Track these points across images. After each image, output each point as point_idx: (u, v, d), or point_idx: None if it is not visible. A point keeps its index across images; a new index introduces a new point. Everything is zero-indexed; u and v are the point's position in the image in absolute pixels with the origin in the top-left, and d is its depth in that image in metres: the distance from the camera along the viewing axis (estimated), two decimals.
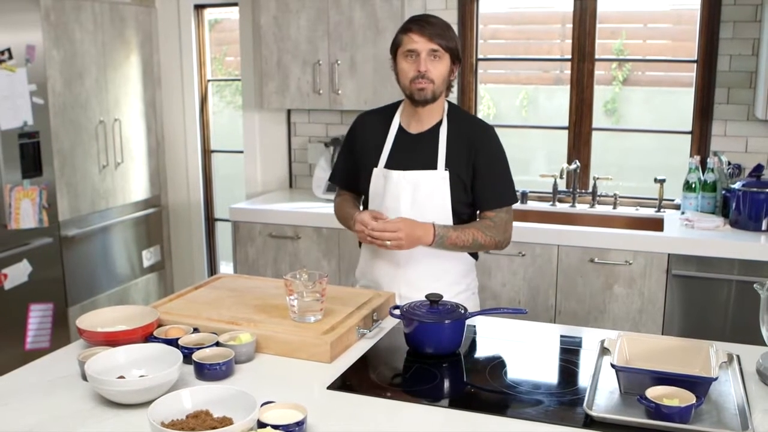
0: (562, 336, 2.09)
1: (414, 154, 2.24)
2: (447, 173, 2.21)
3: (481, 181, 2.23)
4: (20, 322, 3.53)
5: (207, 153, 4.69)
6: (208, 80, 4.63)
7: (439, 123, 2.25)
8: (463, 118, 2.29)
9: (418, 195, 2.22)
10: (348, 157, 2.40)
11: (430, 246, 2.17)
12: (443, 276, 2.27)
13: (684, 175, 3.61)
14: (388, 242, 2.09)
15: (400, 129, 2.29)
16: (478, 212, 2.31)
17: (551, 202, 3.88)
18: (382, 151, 2.28)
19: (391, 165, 2.26)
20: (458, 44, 2.20)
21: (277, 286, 2.18)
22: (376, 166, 2.28)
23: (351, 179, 2.40)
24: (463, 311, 1.90)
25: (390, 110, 2.35)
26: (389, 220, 2.13)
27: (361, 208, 2.40)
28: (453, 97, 4.01)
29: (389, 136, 2.29)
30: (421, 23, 2.15)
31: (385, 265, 2.30)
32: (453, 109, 2.29)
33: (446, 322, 1.85)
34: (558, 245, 3.33)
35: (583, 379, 1.72)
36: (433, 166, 2.22)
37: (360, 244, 2.41)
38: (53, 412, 1.54)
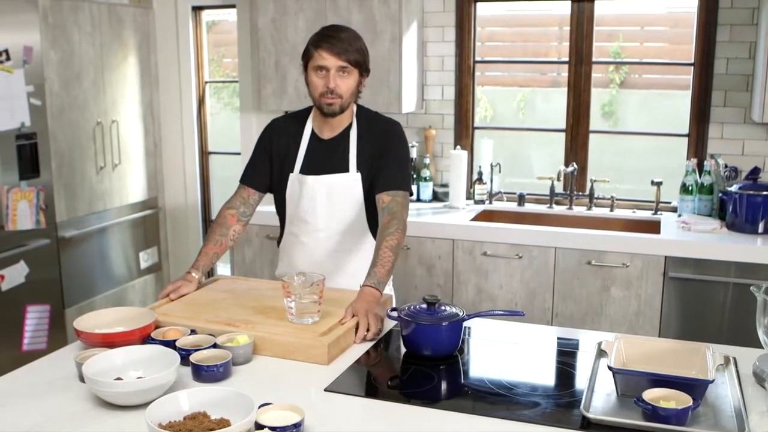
0: (559, 338, 2.10)
1: (327, 158, 2.33)
2: (359, 175, 2.31)
3: (381, 166, 2.30)
4: (17, 323, 3.53)
5: (204, 155, 4.69)
6: (206, 82, 4.63)
7: (349, 126, 2.35)
8: (371, 119, 2.38)
9: (333, 197, 2.33)
10: (262, 160, 2.41)
11: (382, 293, 2.09)
12: (361, 270, 2.27)
13: (681, 177, 3.61)
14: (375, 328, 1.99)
15: (313, 135, 2.37)
16: (376, 197, 2.30)
17: (548, 205, 3.88)
18: (296, 157, 2.36)
19: (305, 170, 2.35)
20: (366, 56, 2.28)
21: (274, 288, 2.18)
22: (292, 172, 2.36)
23: (260, 179, 2.42)
24: (460, 313, 1.90)
25: (301, 116, 2.42)
26: (354, 315, 1.98)
27: (276, 210, 2.45)
28: (450, 99, 4.03)
29: (302, 143, 2.37)
30: (331, 39, 2.21)
31: (306, 266, 2.35)
32: (361, 111, 2.39)
33: (444, 324, 1.85)
34: (555, 247, 3.34)
35: (580, 382, 1.72)
36: (345, 169, 2.32)
37: (278, 243, 2.52)
38: (50, 413, 1.54)
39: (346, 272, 2.37)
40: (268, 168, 2.41)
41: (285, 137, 2.39)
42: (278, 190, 2.42)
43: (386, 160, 2.30)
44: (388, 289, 2.27)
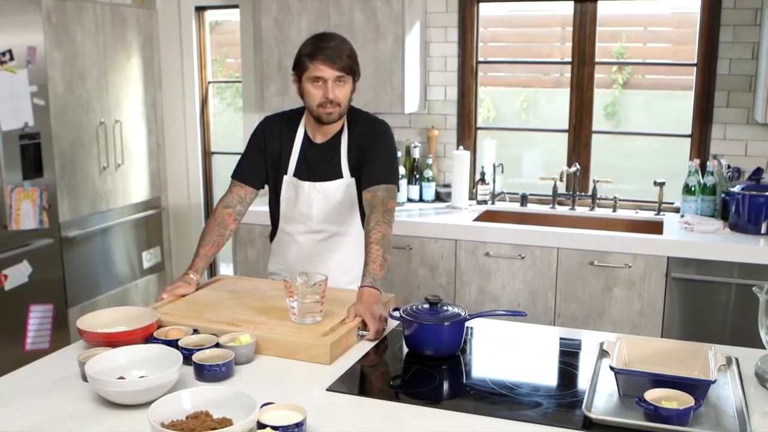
0: (561, 338, 2.10)
1: (320, 164, 2.35)
2: (353, 180, 2.34)
3: (363, 164, 2.31)
4: (20, 323, 3.54)
5: (207, 155, 4.70)
6: (209, 82, 4.63)
7: (341, 130, 2.36)
8: (358, 120, 2.38)
9: (329, 202, 2.36)
10: (257, 157, 2.42)
11: (381, 290, 2.08)
12: (356, 267, 2.29)
13: (684, 178, 3.61)
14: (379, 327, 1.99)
15: (306, 138, 2.38)
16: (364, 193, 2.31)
17: (551, 205, 3.88)
18: (289, 160, 2.38)
19: (300, 175, 2.36)
20: (356, 59, 2.29)
21: (277, 288, 2.18)
22: (286, 174, 2.38)
23: (256, 176, 2.42)
24: (462, 313, 1.90)
25: (294, 118, 2.42)
26: (357, 315, 1.97)
27: (269, 209, 2.50)
28: (453, 100, 4.03)
29: (295, 145, 2.38)
30: (326, 51, 2.21)
31: (300, 263, 2.38)
32: (350, 113, 2.37)
33: (446, 324, 1.85)
34: (558, 248, 3.34)
35: (582, 382, 1.72)
36: (339, 175, 2.34)
37: (271, 239, 2.53)
38: (53, 412, 1.54)
39: (333, 262, 2.39)
40: (263, 165, 2.41)
41: (277, 138, 2.40)
42: (271, 188, 2.44)
43: (367, 157, 2.32)
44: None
